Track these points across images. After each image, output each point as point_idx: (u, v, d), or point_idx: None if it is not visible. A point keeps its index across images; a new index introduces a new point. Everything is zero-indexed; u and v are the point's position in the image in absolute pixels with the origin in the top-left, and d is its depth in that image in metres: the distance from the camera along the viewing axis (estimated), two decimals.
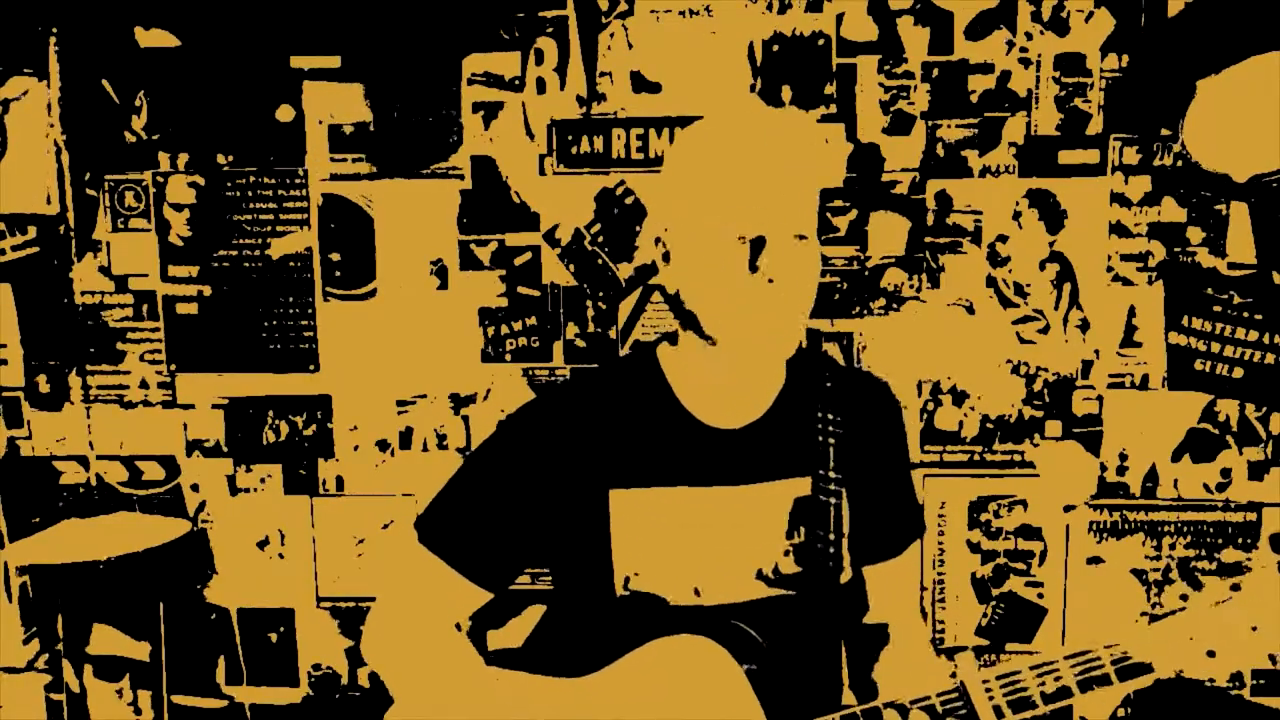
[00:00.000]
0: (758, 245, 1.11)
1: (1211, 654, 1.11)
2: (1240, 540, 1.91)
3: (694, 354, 1.23)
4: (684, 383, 1.25)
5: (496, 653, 1.33)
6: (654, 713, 1.17)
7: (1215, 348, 1.87)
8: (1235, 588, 1.13)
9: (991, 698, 1.11)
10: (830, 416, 1.26)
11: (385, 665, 1.28)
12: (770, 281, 1.11)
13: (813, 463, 1.24)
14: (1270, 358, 1.87)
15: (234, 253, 1.97)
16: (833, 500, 1.23)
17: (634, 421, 1.25)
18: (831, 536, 1.22)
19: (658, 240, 1.23)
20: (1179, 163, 1.83)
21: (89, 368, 2.01)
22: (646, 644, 1.20)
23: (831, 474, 1.24)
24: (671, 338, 1.28)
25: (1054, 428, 1.92)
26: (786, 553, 1.22)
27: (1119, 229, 1.86)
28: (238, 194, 1.96)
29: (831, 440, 1.25)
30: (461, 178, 1.93)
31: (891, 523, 1.33)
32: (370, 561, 2.03)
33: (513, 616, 1.97)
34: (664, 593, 1.22)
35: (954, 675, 1.14)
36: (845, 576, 1.26)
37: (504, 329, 1.97)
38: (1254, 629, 1.10)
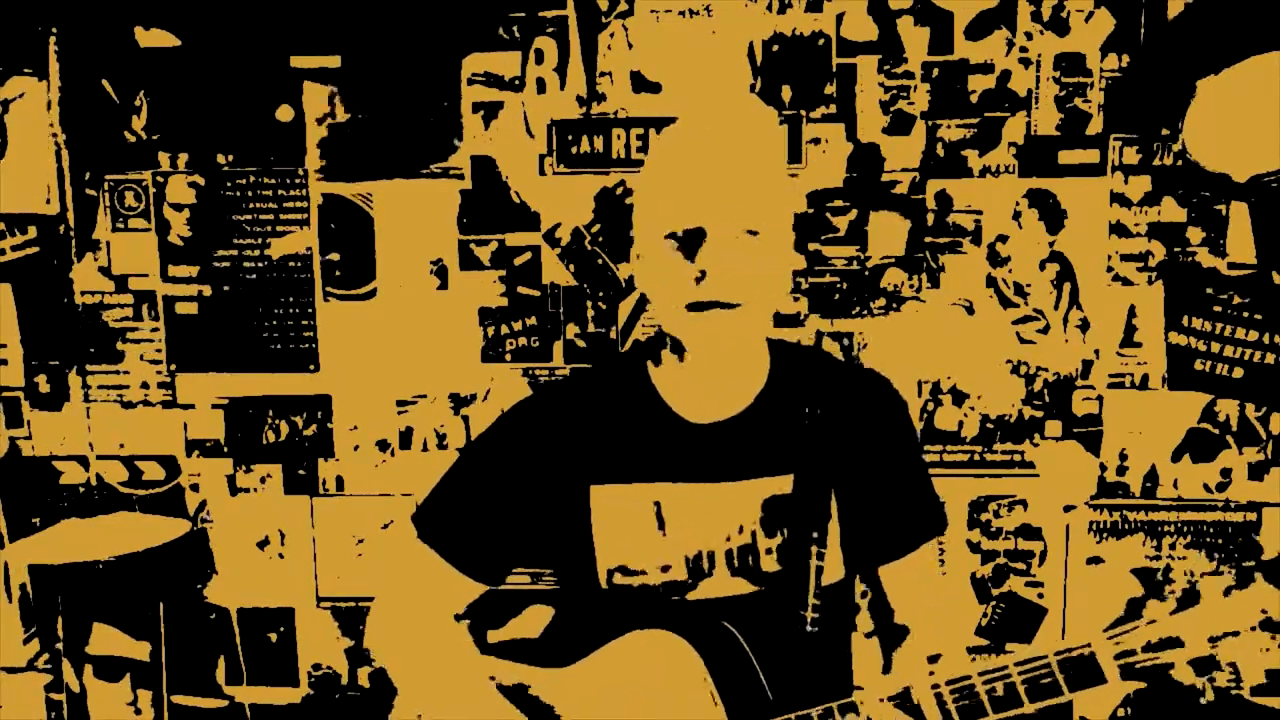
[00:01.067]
0: (693, 238, 1.11)
1: (1170, 666, 1.09)
2: (1239, 540, 1.92)
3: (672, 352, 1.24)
4: (665, 378, 1.26)
5: (495, 645, 1.34)
6: (613, 709, 1.17)
7: (1215, 348, 1.87)
8: (1193, 594, 1.10)
9: (942, 703, 1.11)
10: (817, 413, 1.26)
11: (386, 657, 1.30)
12: (702, 274, 1.10)
13: (798, 460, 1.24)
14: (1270, 358, 1.87)
15: (234, 253, 1.97)
16: (817, 498, 1.23)
17: (617, 418, 1.26)
18: (815, 535, 1.22)
19: (631, 243, 1.24)
20: (1179, 163, 1.84)
21: (89, 368, 2.01)
22: (614, 640, 1.21)
23: (817, 471, 1.23)
24: (657, 345, 1.29)
25: (1054, 428, 1.92)
26: (769, 551, 1.22)
27: (1119, 229, 1.86)
28: (238, 194, 1.96)
29: (819, 437, 1.25)
30: (461, 178, 1.93)
31: (900, 521, 1.32)
32: (370, 561, 2.03)
33: (512, 616, 1.98)
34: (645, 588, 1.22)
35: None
36: (835, 576, 1.26)
37: (504, 329, 1.97)
38: (1211, 641, 1.06)
